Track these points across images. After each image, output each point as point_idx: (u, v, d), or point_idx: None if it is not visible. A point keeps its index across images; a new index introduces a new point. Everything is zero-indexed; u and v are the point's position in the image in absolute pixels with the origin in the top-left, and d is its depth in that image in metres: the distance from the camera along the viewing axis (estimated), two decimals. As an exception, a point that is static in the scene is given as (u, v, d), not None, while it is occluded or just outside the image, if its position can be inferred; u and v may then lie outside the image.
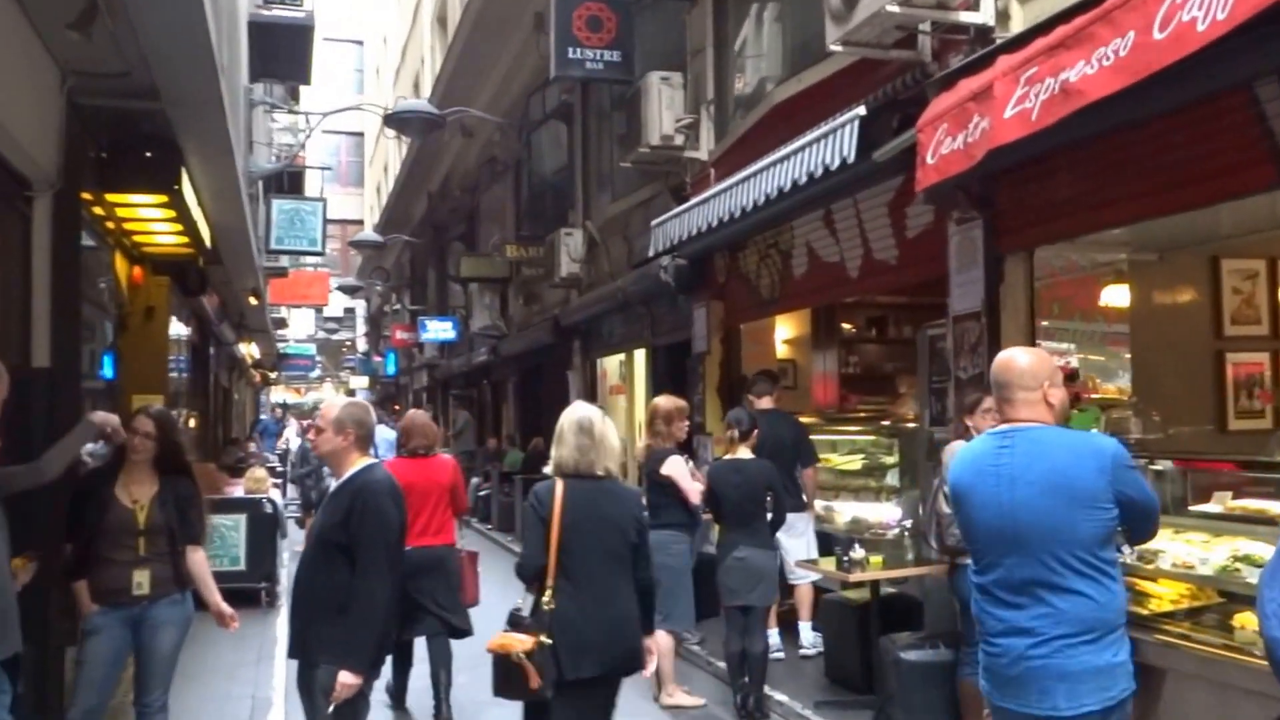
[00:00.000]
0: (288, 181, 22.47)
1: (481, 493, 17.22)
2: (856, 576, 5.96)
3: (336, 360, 50.23)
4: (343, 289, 28.91)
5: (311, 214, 13.51)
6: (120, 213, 8.30)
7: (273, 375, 36.37)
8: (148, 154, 7.46)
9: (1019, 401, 3.29)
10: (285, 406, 45.92)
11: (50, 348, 6.08)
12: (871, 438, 8.36)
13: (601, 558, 4.04)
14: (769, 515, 6.38)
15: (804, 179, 6.21)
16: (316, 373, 53.72)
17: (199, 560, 5.04)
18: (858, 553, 6.00)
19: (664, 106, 9.20)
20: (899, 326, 10.07)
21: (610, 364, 13.46)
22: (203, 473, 10.91)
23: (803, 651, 7.53)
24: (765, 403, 7.75)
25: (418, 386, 29.72)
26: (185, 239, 9.40)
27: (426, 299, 27.07)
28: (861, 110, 5.60)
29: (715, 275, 9.51)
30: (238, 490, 10.55)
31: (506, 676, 3.98)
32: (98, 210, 7.90)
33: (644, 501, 5.02)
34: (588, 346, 13.76)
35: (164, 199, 7.86)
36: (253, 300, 15.01)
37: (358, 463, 4.23)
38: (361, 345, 43.92)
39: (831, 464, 8.53)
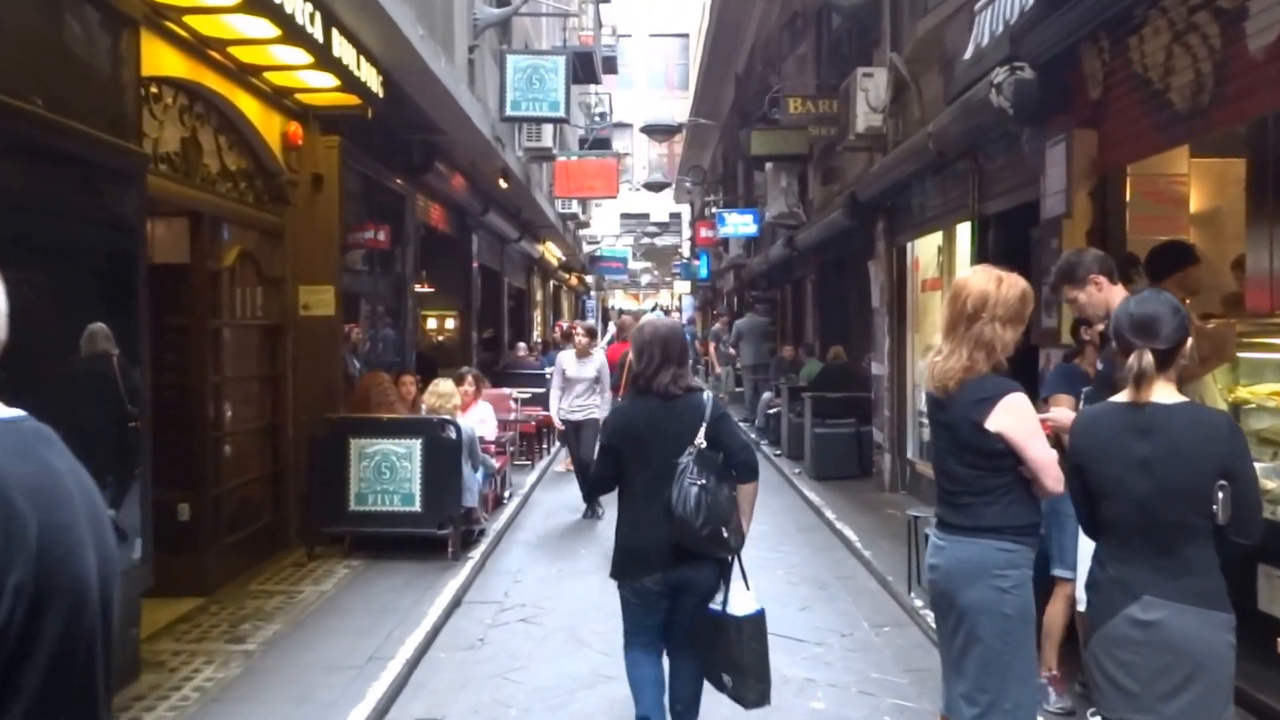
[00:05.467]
0: (581, 70, 20.07)
1: (771, 410, 14.02)
2: None
3: (667, 267, 48.63)
4: (648, 186, 26.32)
5: (552, 71, 10.62)
6: (203, 28, 5.74)
7: (588, 279, 34.61)
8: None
9: None
10: (622, 313, 44.95)
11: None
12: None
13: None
14: (1218, 536, 2.76)
15: None
16: (647, 279, 52.67)
17: None
18: None
19: None
20: None
21: (925, 250, 9.69)
22: (372, 383, 8.56)
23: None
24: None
25: (727, 289, 26.82)
26: (336, 79, 6.79)
27: (738, 195, 24.03)
28: None
29: (1083, 86, 5.62)
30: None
31: None
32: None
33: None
34: (893, 227, 10.05)
35: (235, -5, 5.18)
36: (502, 183, 12.50)
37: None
38: (687, 250, 41.72)
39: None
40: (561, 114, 10.96)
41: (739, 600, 3.90)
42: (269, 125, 7.19)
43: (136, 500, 4.78)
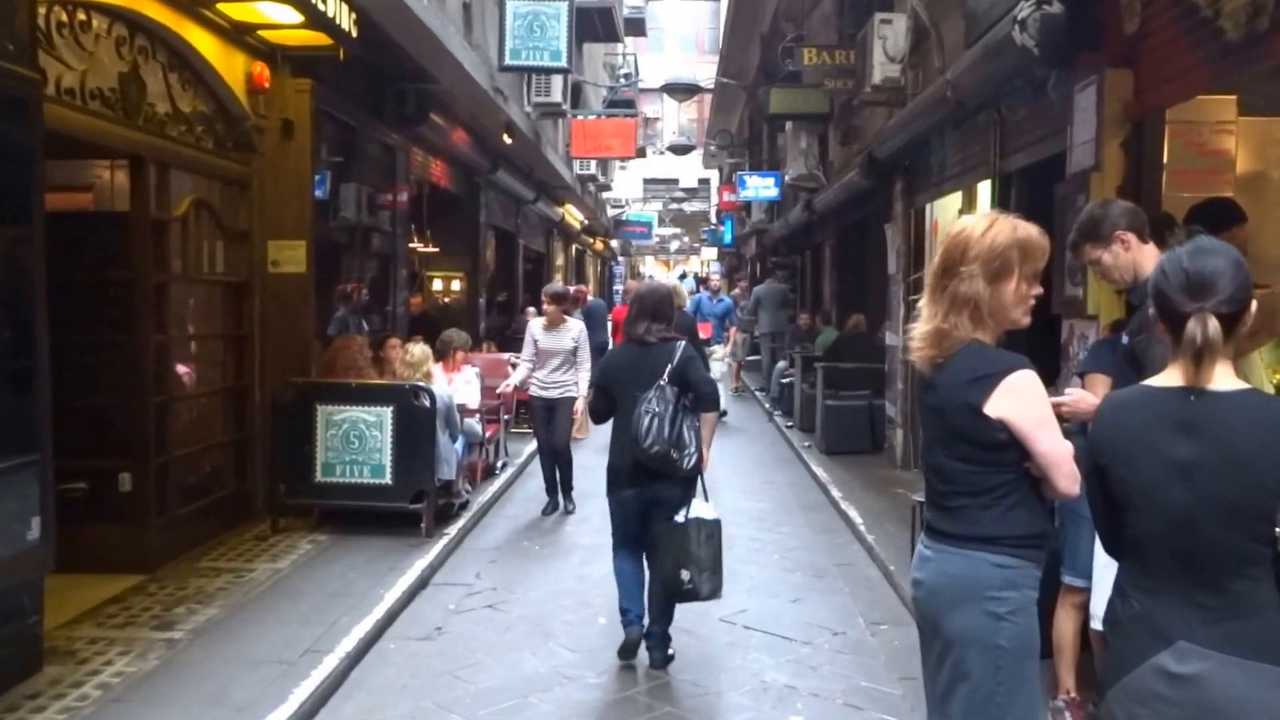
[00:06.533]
0: (601, 27, 19.23)
1: (784, 380, 13.34)
2: None
3: (696, 233, 47.76)
4: (673, 149, 25.46)
5: (554, 18, 9.92)
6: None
7: (614, 244, 33.78)
8: None
9: None
10: (650, 278, 44.11)
11: None
12: None
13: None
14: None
15: None
16: (676, 245, 51.77)
17: None
18: None
19: None
20: None
21: (945, 212, 8.92)
22: (341, 346, 7.98)
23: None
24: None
25: (750, 254, 26.02)
26: (299, 13, 6.16)
27: (762, 158, 23.17)
28: None
29: (1118, 19, 4.88)
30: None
31: None
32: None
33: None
34: (911, 187, 9.30)
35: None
36: (506, 139, 11.82)
37: None
38: (714, 216, 40.77)
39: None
40: (563, 64, 10.25)
41: (698, 509, 4.65)
42: (230, 65, 6.57)
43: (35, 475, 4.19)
